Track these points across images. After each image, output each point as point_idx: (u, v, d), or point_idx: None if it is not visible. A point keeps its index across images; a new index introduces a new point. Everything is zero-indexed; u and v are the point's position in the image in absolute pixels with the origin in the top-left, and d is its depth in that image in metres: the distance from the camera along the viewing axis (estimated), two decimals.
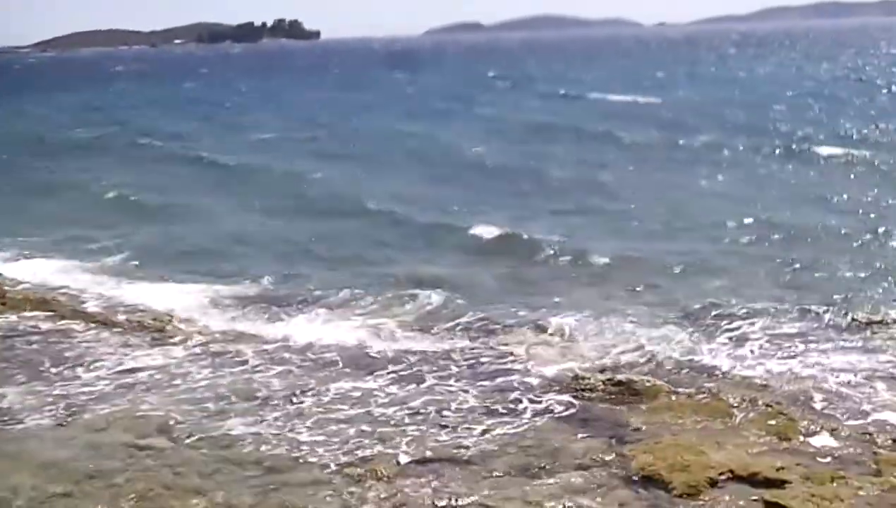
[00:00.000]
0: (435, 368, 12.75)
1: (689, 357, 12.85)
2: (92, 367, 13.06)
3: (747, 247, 18.57)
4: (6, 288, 17.23)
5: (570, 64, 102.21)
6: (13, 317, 15.34)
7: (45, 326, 14.93)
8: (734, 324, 14.06)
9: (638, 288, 16.11)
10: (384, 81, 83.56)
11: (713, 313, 14.60)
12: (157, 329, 14.85)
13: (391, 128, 41.99)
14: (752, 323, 14.07)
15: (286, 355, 13.47)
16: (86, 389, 12.22)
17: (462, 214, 22.45)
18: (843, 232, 19.12)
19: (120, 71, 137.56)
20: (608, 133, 36.01)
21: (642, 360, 12.77)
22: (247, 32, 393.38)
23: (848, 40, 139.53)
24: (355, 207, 23.82)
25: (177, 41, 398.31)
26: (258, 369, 12.89)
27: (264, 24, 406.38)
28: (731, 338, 13.54)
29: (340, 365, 13.02)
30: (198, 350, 13.80)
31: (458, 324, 14.70)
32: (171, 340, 14.27)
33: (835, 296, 15.17)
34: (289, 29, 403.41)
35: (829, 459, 9.58)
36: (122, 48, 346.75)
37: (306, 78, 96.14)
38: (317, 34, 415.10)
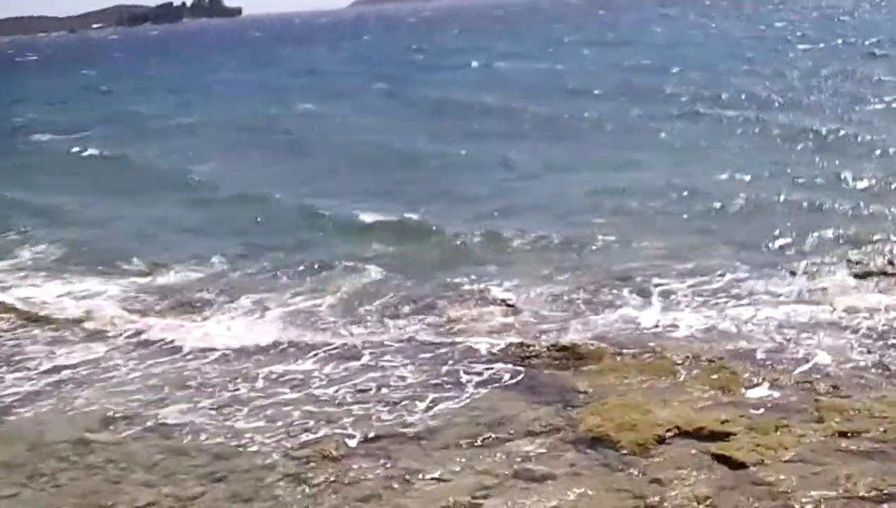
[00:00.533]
0: (374, 345, 12.61)
1: (632, 318, 12.92)
2: (23, 366, 12.71)
3: (670, 211, 18.62)
4: None
5: (487, 33, 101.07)
6: None
7: None
8: (672, 285, 14.18)
9: (572, 258, 16.04)
10: (295, 59, 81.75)
11: (649, 275, 14.67)
12: (84, 322, 14.49)
13: (294, 111, 40.95)
14: (690, 283, 14.22)
15: (219, 342, 13.20)
16: (19, 388, 11.88)
17: (381, 197, 22.01)
18: (759, 193, 19.31)
19: (32, 60, 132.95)
20: (518, 107, 35.01)
21: (585, 324, 12.82)
22: (166, 13, 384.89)
23: None
24: (264, 197, 22.90)
25: (95, 25, 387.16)
26: (191, 358, 12.65)
27: (184, 4, 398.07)
28: (671, 298, 13.66)
29: (277, 349, 12.82)
30: (129, 342, 13.49)
31: (394, 301, 14.49)
32: (101, 334, 13.92)
33: (770, 253, 15.44)
34: (209, 7, 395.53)
35: (771, 409, 9.75)
36: (40, 35, 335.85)
37: (216, 59, 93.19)
38: (238, 11, 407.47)
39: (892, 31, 53.64)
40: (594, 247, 16.57)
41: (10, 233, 21.09)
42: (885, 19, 65.91)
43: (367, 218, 19.93)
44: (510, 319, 13.26)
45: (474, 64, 57.04)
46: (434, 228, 18.64)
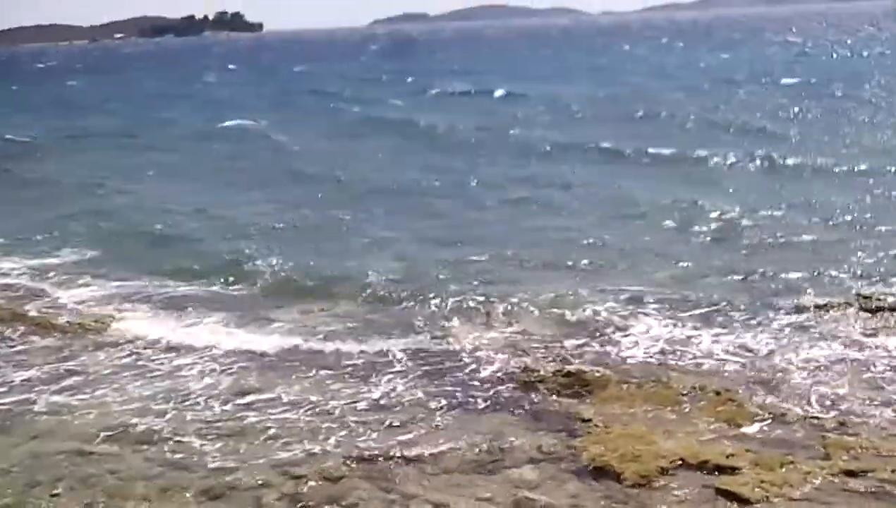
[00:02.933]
0: (375, 363, 12.53)
1: (638, 345, 12.81)
2: (28, 373, 12.64)
3: (676, 239, 18.49)
4: None
5: (472, 57, 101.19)
6: None
7: None
8: (679, 313, 14.05)
9: (578, 281, 15.95)
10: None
11: (656, 302, 14.56)
12: (97, 331, 14.46)
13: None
14: (697, 311, 14.09)
15: (229, 357, 13.14)
16: (22, 396, 11.84)
17: (384, 215, 22.22)
18: (766, 224, 19.16)
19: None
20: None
21: (590, 349, 12.72)
22: (189, 25, 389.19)
23: (759, 29, 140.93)
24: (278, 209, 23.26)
25: (118, 35, 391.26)
26: (201, 372, 12.57)
27: (206, 17, 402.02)
28: (678, 325, 13.54)
29: (279, 362, 12.78)
30: (140, 352, 13.44)
31: (395, 317, 14.43)
32: (113, 343, 13.87)
33: (778, 285, 15.28)
34: (231, 21, 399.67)
35: (778, 444, 9.61)
36: (61, 44, 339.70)
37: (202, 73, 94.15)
38: (259, 26, 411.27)
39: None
40: (601, 272, 16.50)
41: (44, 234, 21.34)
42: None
43: (372, 233, 19.99)
44: (515, 340, 13.16)
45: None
46: (439, 246, 18.70)
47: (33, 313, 15.60)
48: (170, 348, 13.58)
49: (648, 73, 64.80)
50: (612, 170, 27.03)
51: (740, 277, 15.84)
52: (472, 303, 14.98)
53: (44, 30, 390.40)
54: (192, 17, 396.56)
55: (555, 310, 14.42)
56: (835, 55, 73.73)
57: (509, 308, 14.60)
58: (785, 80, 50.82)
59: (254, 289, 16.60)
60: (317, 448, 9.97)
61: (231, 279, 17.10)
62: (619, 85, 53.71)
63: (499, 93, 51.98)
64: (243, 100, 57.45)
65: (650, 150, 29.06)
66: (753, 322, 13.56)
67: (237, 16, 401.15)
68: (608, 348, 12.79)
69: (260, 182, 27.99)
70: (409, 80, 65.92)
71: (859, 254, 16.58)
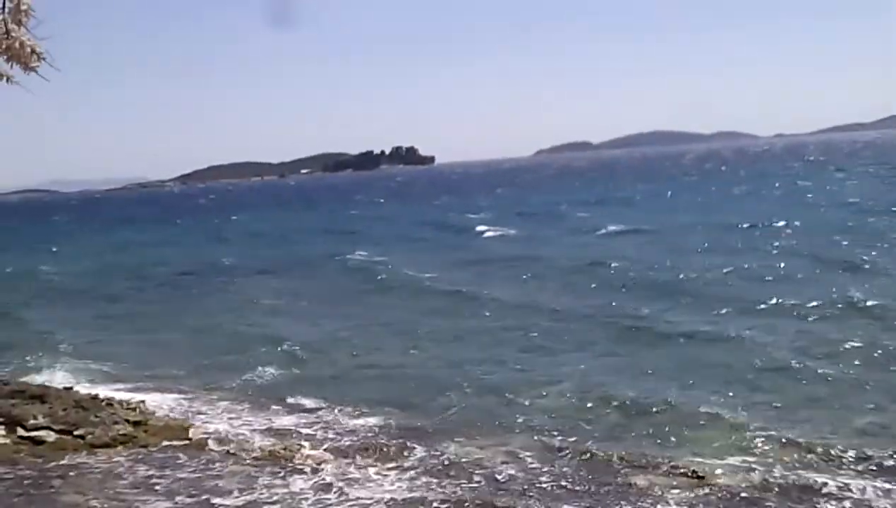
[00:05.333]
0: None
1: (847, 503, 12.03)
2: (223, 499, 13.10)
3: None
4: (148, 415, 17.90)
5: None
6: (152, 446, 15.82)
7: (180, 456, 15.31)
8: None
9: (766, 431, 15.08)
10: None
11: (878, 451, 13.71)
12: (286, 458, 15.00)
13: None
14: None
15: (424, 479, 13.36)
16: None
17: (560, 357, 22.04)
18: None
19: (201, 204, 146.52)
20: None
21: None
22: (366, 160, 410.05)
23: None
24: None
25: (304, 171, 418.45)
26: (390, 501, 12.76)
27: (382, 152, 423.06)
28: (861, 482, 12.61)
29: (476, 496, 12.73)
30: (329, 480, 13.77)
31: (573, 468, 14.04)
32: (302, 471, 14.33)
33: None
34: (405, 155, 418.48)
35: None
36: (253, 179, 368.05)
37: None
38: (431, 159, 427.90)
39: None
40: (792, 420, 15.61)
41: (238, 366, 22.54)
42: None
43: (543, 377, 19.76)
44: (700, 492, 12.64)
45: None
46: (613, 392, 18.10)
47: (227, 438, 16.41)
48: (357, 478, 13.86)
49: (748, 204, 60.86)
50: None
51: None
52: (651, 449, 14.62)
53: (238, 166, 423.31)
54: (369, 153, 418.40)
55: (739, 459, 13.79)
56: None
57: (691, 455, 14.10)
58: None
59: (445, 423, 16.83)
60: None
61: (397, 413, 17.41)
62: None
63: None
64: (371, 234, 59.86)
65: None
66: None
67: (411, 150, 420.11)
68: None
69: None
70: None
71: None
